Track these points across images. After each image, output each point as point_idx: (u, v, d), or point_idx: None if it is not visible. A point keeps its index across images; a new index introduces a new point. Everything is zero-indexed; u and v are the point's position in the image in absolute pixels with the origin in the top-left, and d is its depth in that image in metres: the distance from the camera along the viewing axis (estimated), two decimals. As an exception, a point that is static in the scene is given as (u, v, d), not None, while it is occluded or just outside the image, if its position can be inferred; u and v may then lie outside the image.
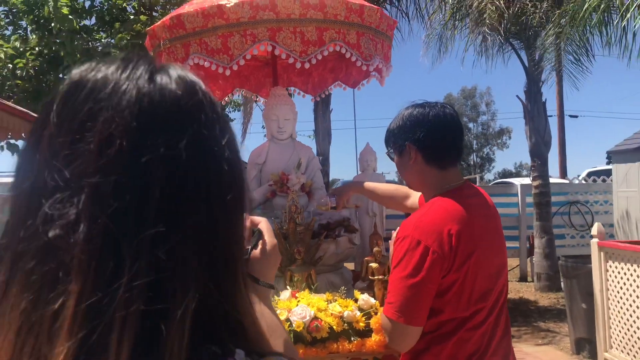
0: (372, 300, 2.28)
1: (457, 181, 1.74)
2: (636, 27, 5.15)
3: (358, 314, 2.24)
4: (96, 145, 0.50)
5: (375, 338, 2.14)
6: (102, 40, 7.24)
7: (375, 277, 2.40)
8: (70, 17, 5.73)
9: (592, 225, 8.84)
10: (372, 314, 2.22)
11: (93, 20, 7.27)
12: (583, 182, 10.08)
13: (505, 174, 39.10)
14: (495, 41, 7.15)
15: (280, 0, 2.58)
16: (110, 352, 0.46)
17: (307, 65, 2.66)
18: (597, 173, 11.73)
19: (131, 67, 0.55)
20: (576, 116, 28.99)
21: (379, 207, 3.38)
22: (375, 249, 2.52)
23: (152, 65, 0.57)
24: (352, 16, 2.74)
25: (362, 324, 2.21)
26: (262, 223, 0.89)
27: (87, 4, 7.14)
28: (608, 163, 13.77)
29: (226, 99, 4.08)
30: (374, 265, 2.49)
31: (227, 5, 2.59)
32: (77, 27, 6.13)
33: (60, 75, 7.07)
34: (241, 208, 0.59)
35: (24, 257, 0.49)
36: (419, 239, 1.54)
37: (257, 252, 0.86)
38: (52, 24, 5.91)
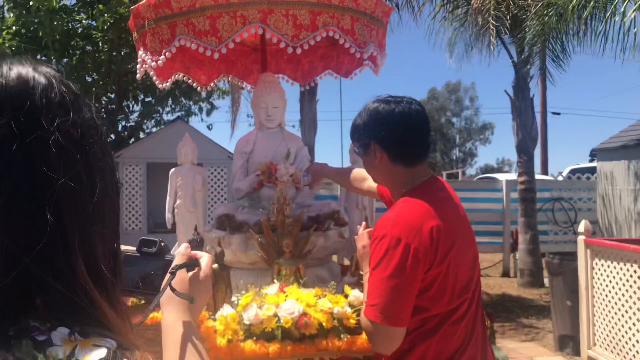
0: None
1: (425, 176, 1.68)
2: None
3: (349, 310, 2.15)
4: None
5: (366, 336, 2.06)
6: (83, 21, 7.00)
7: (367, 273, 2.32)
8: (50, -4, 5.49)
9: (575, 222, 8.94)
10: (363, 310, 2.14)
11: (73, 0, 7.03)
12: (567, 179, 10.11)
13: (488, 169, 39.27)
14: (486, 35, 7.07)
15: (272, -19, 2.46)
16: None
17: (298, 51, 2.54)
18: (580, 170, 11.78)
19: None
20: (559, 113, 29.13)
21: (369, 201, 3.29)
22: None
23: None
24: (346, 0, 2.62)
25: (352, 321, 2.12)
26: (205, 257, 0.95)
27: (68, -17, 6.89)
28: (591, 161, 13.84)
29: (212, 84, 3.92)
30: (365, 260, 2.41)
31: (217, -16, 2.46)
32: (57, 6, 5.88)
33: (39, 56, 6.82)
34: None
35: None
36: (398, 237, 1.49)
37: (186, 275, 0.91)
38: (31, 3, 5.67)
